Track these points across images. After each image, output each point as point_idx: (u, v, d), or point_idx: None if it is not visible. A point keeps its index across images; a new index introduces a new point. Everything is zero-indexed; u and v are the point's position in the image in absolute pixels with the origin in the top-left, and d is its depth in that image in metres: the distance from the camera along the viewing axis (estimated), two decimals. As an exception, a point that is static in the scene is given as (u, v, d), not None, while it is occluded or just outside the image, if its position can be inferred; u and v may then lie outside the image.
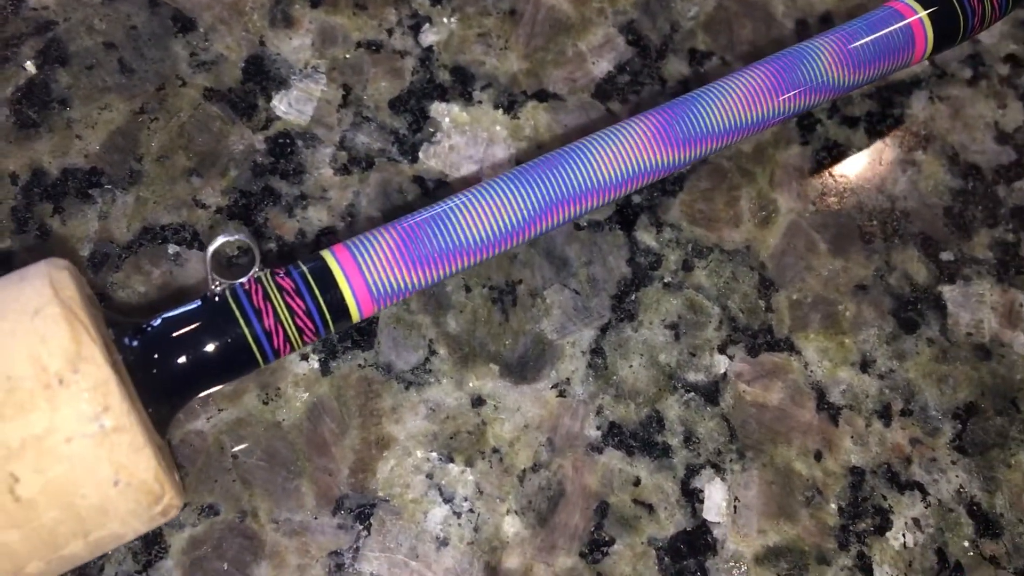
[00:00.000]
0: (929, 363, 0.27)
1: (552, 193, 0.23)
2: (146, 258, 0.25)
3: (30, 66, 0.26)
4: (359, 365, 0.25)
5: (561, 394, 0.25)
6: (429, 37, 0.28)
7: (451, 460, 0.24)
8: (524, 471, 0.24)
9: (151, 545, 0.22)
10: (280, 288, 0.21)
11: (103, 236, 0.25)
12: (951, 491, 0.26)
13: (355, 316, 0.22)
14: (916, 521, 0.25)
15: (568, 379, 0.25)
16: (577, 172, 0.24)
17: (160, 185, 0.25)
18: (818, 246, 0.28)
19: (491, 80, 0.28)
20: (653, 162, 0.24)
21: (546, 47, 0.29)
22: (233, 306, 0.21)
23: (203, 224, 0.25)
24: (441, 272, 0.23)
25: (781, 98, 0.25)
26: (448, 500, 0.24)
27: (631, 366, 0.26)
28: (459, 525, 0.24)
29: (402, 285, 0.22)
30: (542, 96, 0.28)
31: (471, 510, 0.24)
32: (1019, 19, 0.31)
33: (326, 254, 0.22)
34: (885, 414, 0.26)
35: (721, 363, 0.26)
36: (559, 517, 0.24)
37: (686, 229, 0.27)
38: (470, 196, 0.23)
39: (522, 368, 0.25)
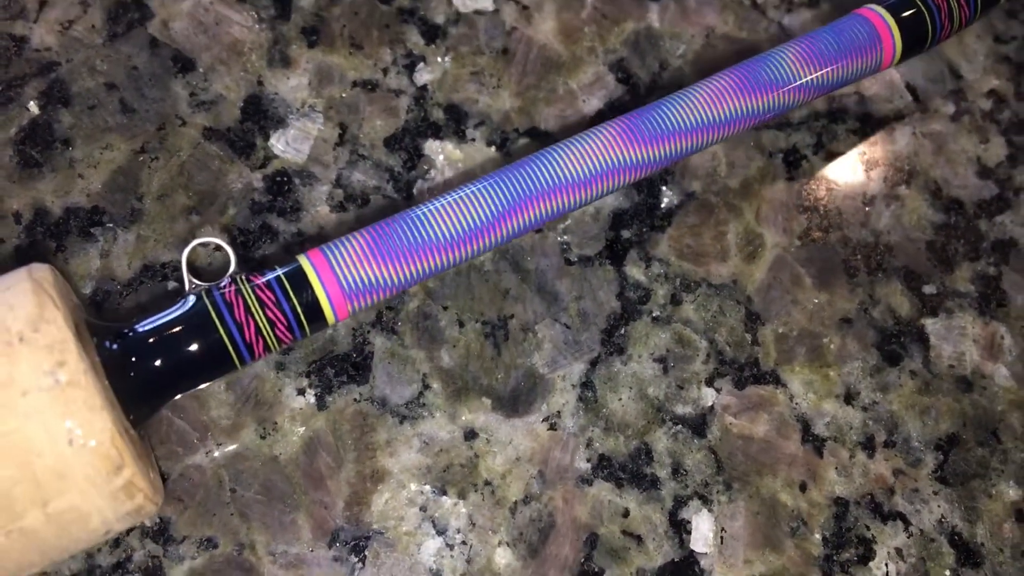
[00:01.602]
0: (912, 395, 0.27)
1: (520, 190, 0.24)
2: (146, 295, 0.25)
3: (33, 107, 0.27)
4: (354, 399, 0.25)
5: (552, 427, 0.26)
6: (423, 76, 0.29)
7: (444, 493, 0.25)
8: (516, 503, 0.25)
9: (151, 579, 0.23)
10: (253, 287, 0.22)
11: (105, 274, 0.25)
12: (933, 521, 0.26)
13: (328, 311, 0.23)
14: (899, 551, 0.26)
15: (559, 412, 0.26)
16: (544, 170, 0.24)
17: (160, 223, 0.26)
18: (803, 280, 0.28)
19: (484, 118, 0.29)
20: (620, 159, 0.25)
21: (538, 85, 0.29)
22: (209, 307, 0.22)
23: (202, 262, 0.26)
24: (412, 269, 0.23)
25: (745, 97, 0.26)
26: (441, 532, 0.24)
27: (620, 399, 0.26)
28: (452, 557, 0.24)
29: (374, 280, 0.23)
30: (534, 133, 0.29)
31: (464, 542, 0.24)
32: (1001, 54, 0.32)
33: (300, 257, 0.23)
34: (869, 445, 0.27)
35: (708, 396, 0.27)
36: (550, 548, 0.25)
37: (674, 264, 0.28)
38: (441, 198, 0.24)
39: (514, 402, 0.26)
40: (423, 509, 0.24)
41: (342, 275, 0.23)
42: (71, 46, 0.28)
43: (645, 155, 0.25)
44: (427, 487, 0.25)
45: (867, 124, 0.31)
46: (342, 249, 0.23)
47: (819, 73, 0.26)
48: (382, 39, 0.29)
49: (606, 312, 0.27)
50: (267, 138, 0.28)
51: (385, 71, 0.29)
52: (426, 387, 0.26)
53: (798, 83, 0.26)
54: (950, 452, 0.27)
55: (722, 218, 0.29)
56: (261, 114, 0.28)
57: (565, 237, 0.28)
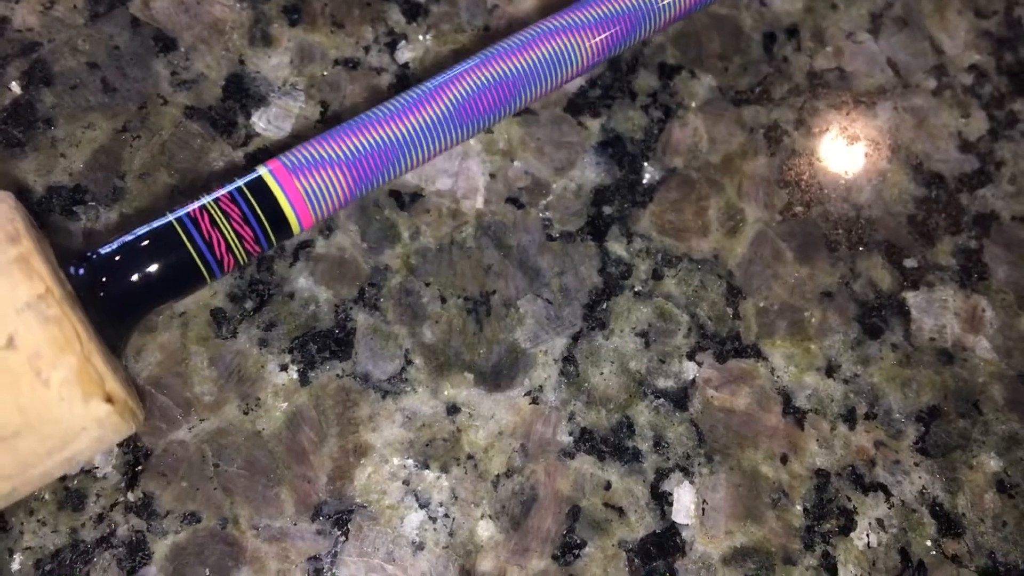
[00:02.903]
0: (893, 368, 0.28)
1: (474, 83, 0.25)
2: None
3: (15, 87, 0.27)
4: (337, 375, 0.25)
5: (534, 401, 0.26)
6: (405, 54, 0.29)
7: (427, 467, 0.25)
8: (498, 477, 0.25)
9: (135, 552, 0.23)
10: (217, 202, 0.23)
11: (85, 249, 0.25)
12: (914, 492, 0.26)
13: (290, 215, 0.23)
14: (880, 522, 0.26)
15: (541, 387, 0.26)
16: (496, 64, 0.25)
17: (143, 202, 0.26)
18: (784, 255, 0.28)
19: (465, 95, 0.29)
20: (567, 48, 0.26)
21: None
22: (174, 222, 0.22)
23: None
24: (371, 170, 0.24)
25: None
26: (424, 506, 0.24)
27: (602, 373, 0.26)
28: (434, 530, 0.24)
29: (334, 184, 0.24)
30: (517, 112, 0.29)
31: (446, 515, 0.24)
32: (982, 29, 0.32)
33: (260, 167, 0.24)
34: (850, 418, 0.27)
35: (690, 369, 0.27)
36: (532, 521, 0.25)
37: (656, 239, 0.28)
38: (395, 99, 0.25)
39: (496, 376, 0.26)
40: (406, 483, 0.25)
41: (307, 190, 0.23)
42: (53, 26, 0.28)
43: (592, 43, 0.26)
44: (410, 461, 0.25)
45: (848, 99, 0.31)
46: (300, 157, 0.24)
47: None
48: (363, 17, 0.29)
49: (588, 287, 0.27)
50: (249, 116, 0.28)
51: (367, 49, 0.29)
52: (408, 362, 0.26)
53: None
54: (931, 424, 0.27)
55: (704, 193, 0.29)
56: (243, 93, 0.28)
57: (547, 213, 0.28)
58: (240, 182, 0.23)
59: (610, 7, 0.26)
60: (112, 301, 0.22)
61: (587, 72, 0.27)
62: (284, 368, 0.25)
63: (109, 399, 0.20)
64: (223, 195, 0.23)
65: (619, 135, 0.29)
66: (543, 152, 0.29)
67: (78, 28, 0.28)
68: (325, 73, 0.28)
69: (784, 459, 0.26)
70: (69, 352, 0.19)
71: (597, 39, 0.26)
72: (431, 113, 0.25)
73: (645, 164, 0.29)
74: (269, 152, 0.27)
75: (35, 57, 0.27)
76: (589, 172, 0.29)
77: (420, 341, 0.26)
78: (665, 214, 0.28)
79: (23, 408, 0.19)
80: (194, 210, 0.23)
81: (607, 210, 0.28)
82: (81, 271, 0.22)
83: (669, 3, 0.27)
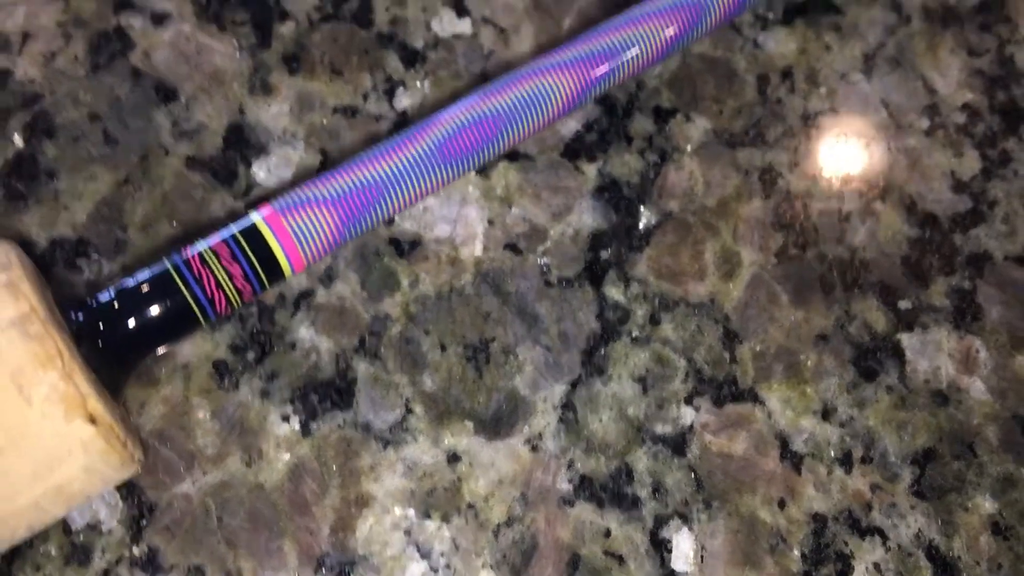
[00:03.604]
0: (888, 410, 0.28)
1: (464, 121, 0.26)
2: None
3: (18, 139, 0.27)
4: (338, 425, 0.26)
5: (534, 449, 0.26)
6: (403, 101, 0.29)
7: (428, 516, 0.25)
8: (498, 526, 0.25)
9: (140, 608, 0.23)
10: (216, 253, 0.23)
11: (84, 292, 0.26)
12: (910, 535, 0.27)
13: (284, 264, 0.24)
14: (876, 566, 0.26)
15: (540, 434, 0.26)
16: (482, 106, 0.26)
17: (145, 254, 0.26)
18: (780, 297, 0.29)
19: (463, 142, 0.29)
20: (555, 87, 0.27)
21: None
22: (167, 266, 0.23)
23: (186, 293, 0.26)
24: (363, 214, 0.24)
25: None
26: (425, 556, 0.25)
27: (601, 420, 0.27)
28: (436, 580, 0.25)
29: (326, 229, 0.24)
30: (513, 156, 0.29)
31: (448, 565, 0.25)
32: (974, 68, 0.33)
33: (252, 213, 0.24)
34: (846, 461, 0.27)
35: (687, 415, 0.27)
36: (533, 570, 0.25)
37: (653, 284, 0.28)
38: (384, 143, 0.26)
39: (496, 424, 0.26)
40: (407, 533, 0.25)
41: (296, 230, 0.24)
42: (54, 78, 0.28)
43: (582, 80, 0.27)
44: (411, 511, 0.25)
45: (842, 140, 0.31)
46: (302, 218, 0.24)
47: (731, 13, 0.29)
48: (362, 64, 0.30)
49: (586, 333, 0.28)
50: (249, 166, 0.28)
51: (365, 96, 0.29)
52: (409, 411, 0.26)
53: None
54: (927, 466, 0.27)
55: (699, 237, 0.29)
56: (243, 142, 0.28)
57: (545, 259, 0.28)
58: (234, 228, 0.24)
59: (592, 45, 0.27)
60: (109, 344, 0.22)
61: (573, 110, 0.27)
62: (286, 419, 0.26)
63: (92, 420, 0.20)
64: (214, 240, 0.24)
65: (615, 179, 0.29)
66: (540, 198, 0.29)
67: (79, 79, 0.28)
68: (324, 121, 0.29)
69: (782, 504, 0.27)
70: (51, 368, 0.20)
71: (579, 77, 0.27)
72: (414, 150, 0.25)
73: (641, 208, 0.29)
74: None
75: (37, 109, 0.27)
76: (586, 217, 0.29)
77: (420, 390, 0.26)
78: (662, 258, 0.29)
79: (7, 426, 0.19)
80: (186, 254, 0.23)
81: (604, 255, 0.29)
82: (80, 316, 0.22)
83: (651, 39, 0.27)
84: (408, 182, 0.25)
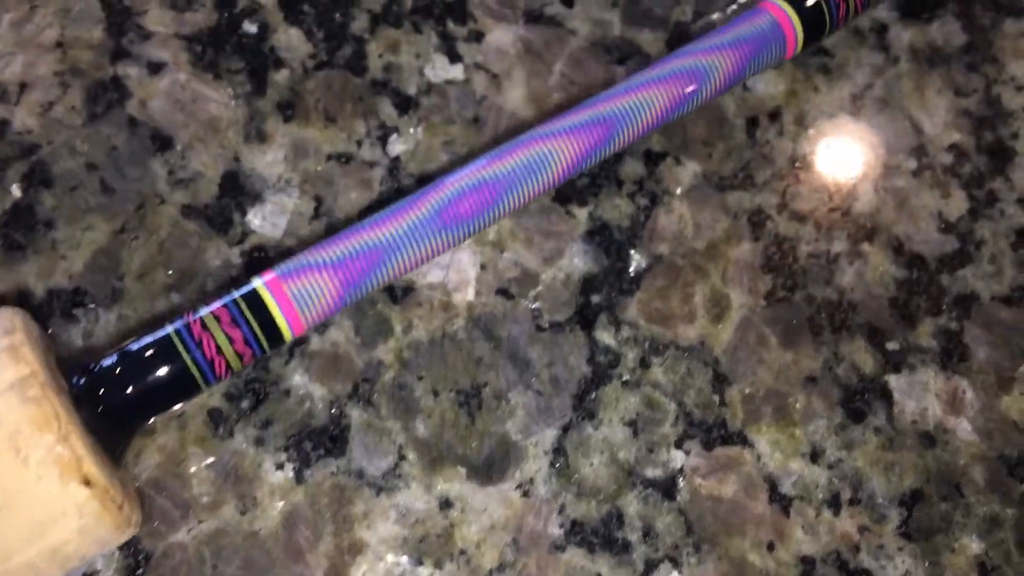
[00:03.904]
0: (876, 452, 0.28)
1: (457, 187, 0.26)
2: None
3: (16, 190, 0.27)
4: (332, 472, 0.26)
5: (525, 494, 0.27)
6: (397, 147, 0.30)
7: (420, 563, 0.25)
8: (490, 572, 0.26)
9: (136, 658, 0.24)
10: (216, 317, 0.24)
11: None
12: (897, 577, 0.27)
13: (284, 328, 0.24)
14: (864, 608, 0.27)
15: (532, 479, 0.27)
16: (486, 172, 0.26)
17: (141, 302, 0.27)
18: (769, 340, 0.29)
19: (455, 188, 0.29)
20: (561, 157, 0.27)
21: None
22: (170, 331, 0.23)
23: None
24: (364, 279, 0.25)
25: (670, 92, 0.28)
26: (418, 603, 0.25)
27: (592, 464, 0.27)
28: (428, 627, 0.25)
29: (327, 295, 0.24)
30: (504, 201, 0.29)
31: (440, 612, 0.25)
32: (962, 108, 0.33)
33: (254, 279, 0.25)
34: (834, 503, 0.28)
35: (678, 458, 0.28)
36: (524, 616, 0.25)
37: (643, 327, 0.29)
38: (384, 210, 0.26)
39: (488, 470, 0.27)
40: (400, 580, 0.25)
41: (296, 294, 0.24)
42: (52, 127, 0.28)
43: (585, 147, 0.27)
44: (404, 558, 0.25)
45: (830, 182, 0.31)
46: (303, 284, 0.24)
47: (731, 67, 0.29)
48: (356, 111, 0.30)
49: (577, 377, 0.28)
50: (244, 214, 0.28)
51: (359, 143, 0.30)
52: (402, 458, 0.26)
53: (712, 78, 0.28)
54: (914, 507, 0.28)
55: (689, 280, 0.29)
56: (238, 190, 0.28)
57: (536, 304, 0.29)
58: (235, 293, 0.24)
59: (591, 113, 0.27)
60: (109, 409, 0.23)
61: (573, 175, 0.27)
62: (280, 467, 0.26)
63: (87, 482, 0.20)
64: (215, 305, 0.24)
65: (606, 223, 0.30)
66: (532, 242, 0.29)
67: (76, 129, 0.28)
68: (319, 168, 0.29)
69: (771, 547, 0.27)
70: (47, 431, 0.20)
71: (579, 144, 0.27)
72: (414, 216, 0.25)
73: (632, 252, 0.30)
74: (264, 249, 0.28)
75: (35, 159, 0.28)
76: (577, 261, 0.29)
77: (413, 436, 0.27)
78: (652, 302, 0.29)
79: (3, 486, 0.20)
80: (187, 318, 0.24)
81: (595, 299, 0.29)
82: (81, 380, 0.23)
83: (647, 108, 0.28)
84: (408, 248, 0.25)
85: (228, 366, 0.24)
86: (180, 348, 0.23)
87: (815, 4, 0.30)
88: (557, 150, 0.27)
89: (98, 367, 0.23)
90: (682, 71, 0.28)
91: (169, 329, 0.24)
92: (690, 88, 0.28)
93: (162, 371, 0.23)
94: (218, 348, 0.23)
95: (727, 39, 0.29)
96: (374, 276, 0.25)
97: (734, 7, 0.33)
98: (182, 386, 0.24)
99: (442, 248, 0.26)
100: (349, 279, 0.25)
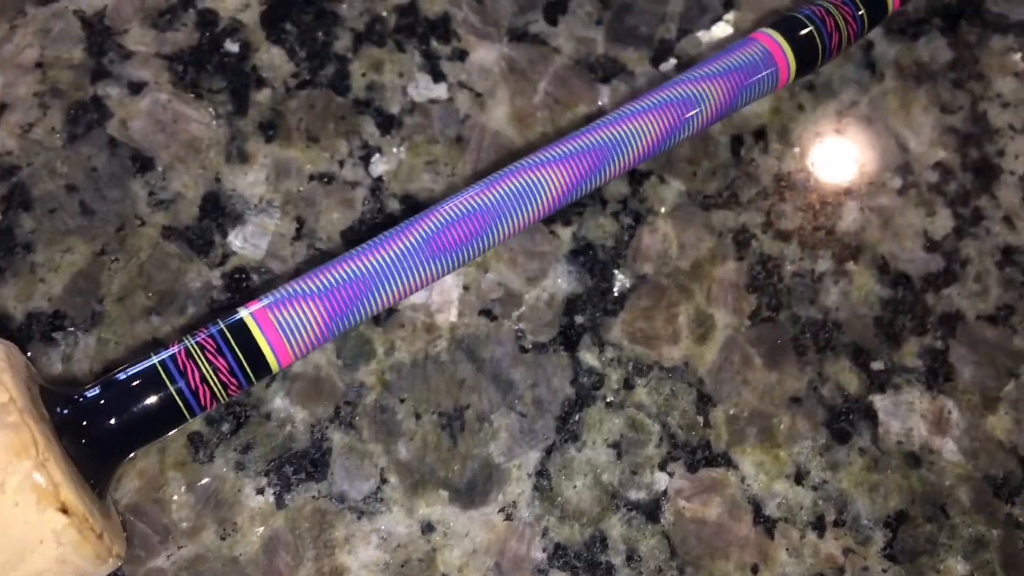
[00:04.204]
0: (861, 473, 0.28)
1: (445, 216, 0.26)
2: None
3: (-5, 212, 0.27)
4: (313, 496, 0.26)
5: (508, 517, 0.26)
6: (379, 167, 0.30)
7: (402, 588, 0.25)
8: (472, 597, 0.25)
9: None
10: (196, 340, 0.23)
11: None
12: (882, 600, 0.27)
13: (271, 359, 0.24)
14: (849, 631, 0.26)
15: (515, 502, 0.27)
16: (476, 201, 0.26)
17: (121, 325, 0.27)
18: (753, 360, 0.29)
19: (438, 208, 0.29)
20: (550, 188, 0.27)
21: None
22: (154, 360, 0.23)
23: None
24: (350, 311, 0.25)
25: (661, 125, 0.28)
26: (399, 629, 0.25)
27: (575, 487, 0.27)
28: (410, 653, 0.25)
29: (313, 326, 0.24)
30: (488, 222, 0.29)
31: (421, 638, 0.25)
32: (947, 125, 0.33)
33: (240, 309, 0.24)
34: (819, 525, 0.27)
35: (661, 480, 0.27)
36: (506, 641, 0.25)
37: (627, 348, 0.29)
38: (371, 241, 0.26)
39: (471, 493, 0.27)
40: (381, 605, 0.25)
41: (283, 324, 0.24)
42: (31, 149, 0.28)
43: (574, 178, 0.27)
44: (385, 583, 0.25)
45: (815, 200, 0.31)
46: (290, 313, 0.24)
47: (722, 98, 0.28)
48: (338, 131, 0.30)
49: (560, 399, 0.28)
50: (225, 235, 0.28)
51: (341, 163, 0.29)
52: (384, 481, 0.26)
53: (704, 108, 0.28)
54: (899, 529, 0.28)
55: (673, 300, 0.29)
56: (219, 211, 0.28)
57: (520, 325, 0.28)
58: (221, 323, 0.24)
59: (582, 141, 0.27)
60: (92, 439, 0.22)
61: (563, 205, 0.27)
62: (260, 491, 0.26)
63: (64, 510, 0.20)
64: (200, 335, 0.24)
65: (590, 243, 0.30)
66: (516, 263, 0.29)
67: (56, 150, 0.28)
68: (301, 189, 0.29)
69: (755, 569, 0.27)
70: (25, 457, 0.20)
71: (569, 172, 0.27)
72: (401, 244, 0.25)
73: (616, 272, 0.29)
74: (245, 271, 0.28)
75: (14, 181, 0.28)
76: (561, 281, 0.29)
77: (395, 459, 0.27)
78: (636, 322, 0.29)
79: None
80: (172, 348, 0.23)
81: (579, 319, 0.29)
82: (65, 411, 0.22)
83: (639, 137, 0.27)
84: (396, 276, 0.25)
85: (213, 395, 0.23)
86: (165, 378, 0.23)
87: (807, 34, 0.29)
88: (547, 178, 0.26)
89: (81, 397, 0.23)
90: (674, 100, 0.28)
91: (154, 359, 0.23)
92: (682, 117, 0.28)
93: (146, 401, 0.23)
94: (202, 377, 0.23)
95: (718, 68, 0.29)
96: (361, 305, 0.25)
97: (719, 24, 0.33)
98: (166, 417, 0.23)
99: (430, 277, 0.26)
100: (336, 309, 0.24)
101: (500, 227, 0.26)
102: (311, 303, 0.24)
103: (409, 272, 0.25)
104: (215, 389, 0.23)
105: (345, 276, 0.25)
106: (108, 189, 0.28)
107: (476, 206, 0.26)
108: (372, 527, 0.26)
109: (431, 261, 0.25)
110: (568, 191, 0.27)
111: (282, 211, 0.29)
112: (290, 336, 0.24)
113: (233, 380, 0.24)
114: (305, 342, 0.24)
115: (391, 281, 0.25)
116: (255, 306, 0.24)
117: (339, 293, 0.24)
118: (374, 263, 0.25)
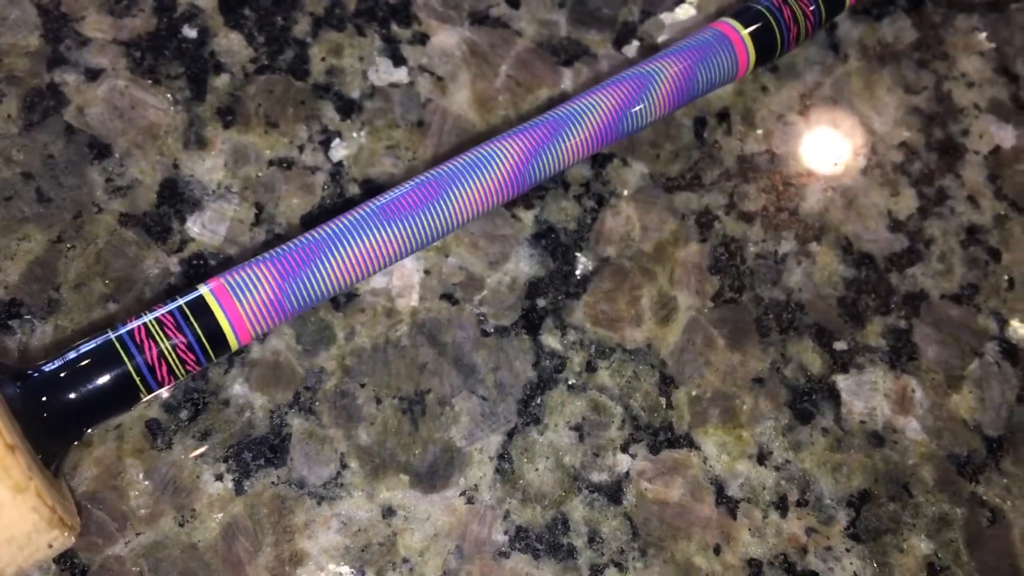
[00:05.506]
0: (824, 452, 0.28)
1: (417, 198, 0.26)
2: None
3: (-50, 200, 0.27)
4: (272, 482, 0.26)
5: (469, 501, 0.26)
6: (339, 152, 0.29)
7: (363, 573, 0.25)
8: (433, 580, 0.25)
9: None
10: (160, 323, 0.23)
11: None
12: (845, 578, 0.27)
13: (230, 335, 0.24)
14: (811, 610, 0.26)
15: (476, 485, 0.27)
16: (444, 180, 0.26)
17: (78, 313, 0.27)
18: (716, 341, 0.29)
19: (399, 193, 0.29)
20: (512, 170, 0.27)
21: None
22: (111, 336, 0.23)
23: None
24: (311, 289, 0.24)
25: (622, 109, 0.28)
26: (359, 613, 0.25)
27: (537, 469, 0.27)
28: (370, 637, 0.25)
29: (274, 303, 0.24)
30: (449, 206, 0.29)
31: (381, 622, 0.25)
32: (912, 105, 0.33)
33: (201, 286, 0.24)
34: (781, 505, 0.27)
35: (624, 462, 0.27)
36: (466, 624, 0.25)
37: (590, 330, 0.29)
38: (336, 219, 0.26)
39: (432, 477, 0.26)
40: (341, 590, 0.25)
41: (239, 290, 0.24)
42: (-13, 136, 0.28)
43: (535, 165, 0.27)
44: (346, 568, 0.25)
45: (778, 182, 0.31)
46: (243, 276, 0.24)
47: (679, 77, 0.29)
48: (297, 116, 0.30)
49: (522, 382, 0.28)
50: (183, 221, 0.28)
51: (301, 148, 0.29)
52: (344, 466, 0.26)
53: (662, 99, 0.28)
54: (862, 508, 0.28)
55: (636, 282, 0.29)
56: (177, 197, 0.28)
57: (481, 308, 0.28)
58: (180, 299, 0.24)
59: (537, 119, 0.27)
60: (47, 416, 0.22)
61: (523, 187, 0.27)
62: (219, 478, 0.26)
63: (16, 487, 0.20)
64: (160, 311, 0.24)
65: (552, 226, 0.30)
66: (477, 246, 0.29)
67: (12, 138, 0.28)
68: (259, 174, 0.29)
69: (717, 550, 0.27)
70: None
71: (522, 142, 0.27)
72: (356, 213, 0.25)
73: (578, 255, 0.29)
74: (204, 257, 0.28)
75: (-31, 169, 0.27)
76: (523, 265, 0.29)
77: (356, 444, 0.26)
78: (598, 304, 0.29)
79: None
80: (129, 324, 0.23)
81: (541, 303, 0.29)
82: (19, 388, 0.22)
83: (593, 110, 0.27)
84: (350, 239, 0.25)
85: (171, 371, 0.23)
86: (122, 353, 0.23)
87: (764, 24, 0.29)
88: (500, 149, 0.26)
89: (36, 372, 0.23)
90: (629, 76, 0.28)
91: (111, 335, 0.23)
92: (638, 91, 0.28)
93: (102, 377, 0.23)
94: (160, 353, 0.23)
95: (676, 49, 0.29)
96: (317, 268, 0.24)
97: (682, 6, 0.33)
98: (123, 392, 0.23)
99: (385, 243, 0.25)
100: (291, 268, 0.24)
101: (454, 193, 0.26)
102: (265, 266, 0.24)
103: (363, 235, 0.25)
104: (173, 365, 0.23)
105: (299, 242, 0.25)
106: (65, 176, 0.28)
107: (430, 176, 0.26)
108: (332, 512, 0.26)
109: (385, 224, 0.25)
110: (524, 162, 0.27)
111: (241, 197, 0.28)
112: (247, 303, 0.24)
113: (191, 355, 0.24)
114: (263, 313, 0.24)
115: (345, 244, 0.25)
116: (215, 283, 0.24)
117: (293, 256, 0.24)
118: (328, 229, 0.25)
